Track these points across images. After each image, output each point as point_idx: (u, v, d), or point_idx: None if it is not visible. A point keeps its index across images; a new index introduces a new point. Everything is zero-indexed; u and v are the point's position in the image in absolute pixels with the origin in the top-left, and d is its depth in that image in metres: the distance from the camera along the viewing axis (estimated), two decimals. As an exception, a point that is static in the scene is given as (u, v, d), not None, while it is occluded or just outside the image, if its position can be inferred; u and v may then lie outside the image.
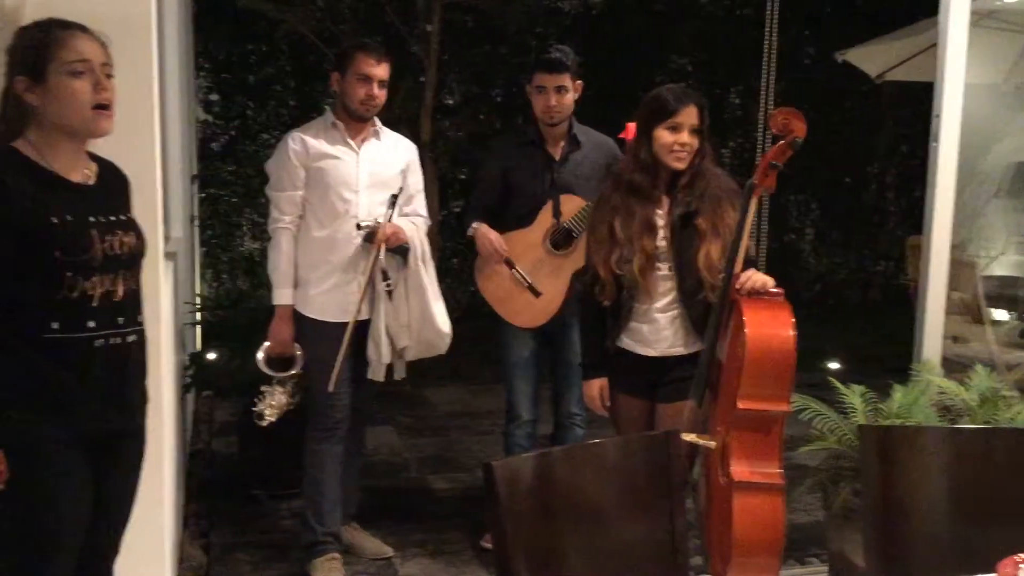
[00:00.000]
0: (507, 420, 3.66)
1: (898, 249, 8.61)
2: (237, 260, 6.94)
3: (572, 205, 3.39)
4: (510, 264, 3.43)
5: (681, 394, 2.68)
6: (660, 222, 2.73)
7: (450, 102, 7.45)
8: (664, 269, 2.73)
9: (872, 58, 6.39)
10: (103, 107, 1.99)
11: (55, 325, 1.96)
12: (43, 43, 1.95)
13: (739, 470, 2.43)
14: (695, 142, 2.68)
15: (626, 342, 2.79)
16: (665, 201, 2.75)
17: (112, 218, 2.06)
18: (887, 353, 6.29)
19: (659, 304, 2.74)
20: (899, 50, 6.08)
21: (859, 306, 9.40)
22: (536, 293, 3.42)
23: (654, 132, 2.69)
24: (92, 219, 2.01)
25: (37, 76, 1.95)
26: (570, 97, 3.43)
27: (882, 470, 1.85)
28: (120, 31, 2.12)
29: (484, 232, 3.45)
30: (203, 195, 6.69)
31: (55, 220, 1.94)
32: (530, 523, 1.58)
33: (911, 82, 6.50)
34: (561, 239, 3.40)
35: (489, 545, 3.59)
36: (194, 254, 5.60)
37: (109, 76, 2.01)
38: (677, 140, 2.66)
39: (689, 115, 2.67)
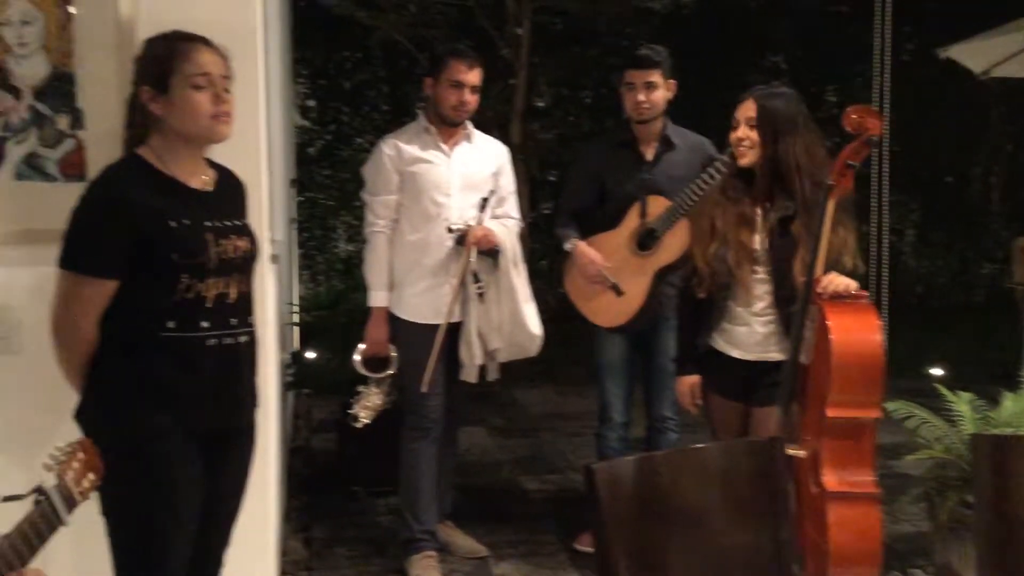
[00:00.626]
0: (599, 423, 3.66)
1: (1004, 251, 8.29)
2: (332, 262, 7.10)
3: (658, 206, 3.37)
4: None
5: (774, 399, 2.63)
6: (760, 222, 2.70)
7: (540, 104, 7.48)
8: (761, 272, 2.70)
9: (976, 54, 6.15)
10: (222, 116, 2.07)
11: (171, 324, 2.04)
12: (167, 56, 2.04)
13: (831, 480, 2.38)
14: (753, 135, 2.65)
15: (720, 343, 2.77)
16: (766, 202, 2.72)
17: (227, 223, 2.14)
18: (992, 359, 6.06)
19: (755, 308, 2.71)
20: (1006, 45, 5.84)
21: (962, 310, 9.07)
22: (619, 292, 3.41)
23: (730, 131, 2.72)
24: (208, 224, 2.09)
25: (161, 87, 2.04)
26: (660, 94, 3.41)
27: (996, 481, 1.78)
28: (228, 40, 2.20)
29: (583, 251, 3.42)
30: (301, 199, 6.86)
31: (173, 224, 2.02)
32: (631, 526, 1.58)
33: (1018, 78, 6.25)
34: (646, 239, 3.39)
35: (583, 548, 3.59)
36: (292, 256, 5.75)
37: (227, 89, 2.09)
38: (735, 135, 2.67)
39: (744, 109, 2.67)
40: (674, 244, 3.31)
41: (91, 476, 1.59)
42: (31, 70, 2.30)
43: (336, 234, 7.22)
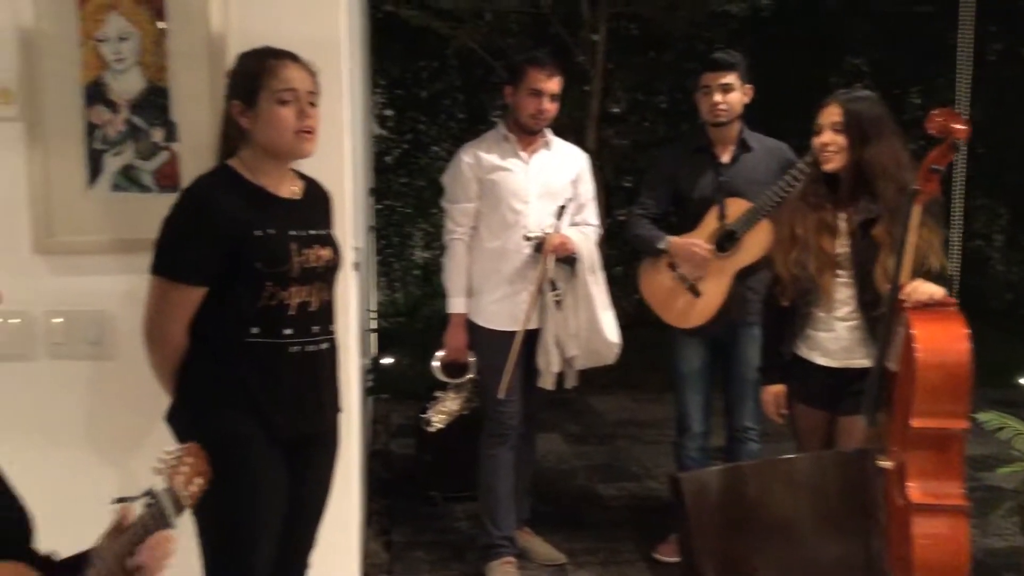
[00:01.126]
0: (678, 432, 3.62)
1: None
2: (409, 269, 7.19)
3: (737, 207, 3.33)
4: (672, 266, 3.40)
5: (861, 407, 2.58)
6: (842, 227, 2.65)
7: (615, 110, 7.45)
8: (844, 277, 2.66)
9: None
10: (306, 131, 2.12)
11: (255, 330, 2.10)
12: (257, 71, 2.10)
13: (917, 492, 2.32)
14: (839, 140, 2.61)
15: (804, 350, 2.73)
16: (849, 207, 2.67)
17: (311, 232, 2.19)
18: (1088, 368, 5.82)
19: (839, 313, 2.67)
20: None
21: (1055, 317, 8.73)
22: (697, 294, 3.37)
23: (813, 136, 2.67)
24: (292, 233, 2.14)
25: (250, 101, 2.10)
26: (736, 96, 3.37)
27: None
28: (313, 53, 2.25)
29: (680, 242, 3.37)
30: (379, 207, 6.97)
31: (258, 233, 2.08)
32: (719, 536, 1.57)
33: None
34: (726, 240, 3.35)
35: (662, 557, 3.57)
36: (370, 264, 5.83)
37: (313, 104, 2.14)
38: (821, 142, 2.63)
39: (828, 114, 2.63)
40: (755, 245, 3.27)
41: (199, 480, 1.63)
42: (127, 85, 2.39)
43: (413, 241, 7.31)
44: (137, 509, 1.48)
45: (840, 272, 2.66)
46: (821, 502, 1.67)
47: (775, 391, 2.83)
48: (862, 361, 2.63)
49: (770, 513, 1.63)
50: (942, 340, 2.33)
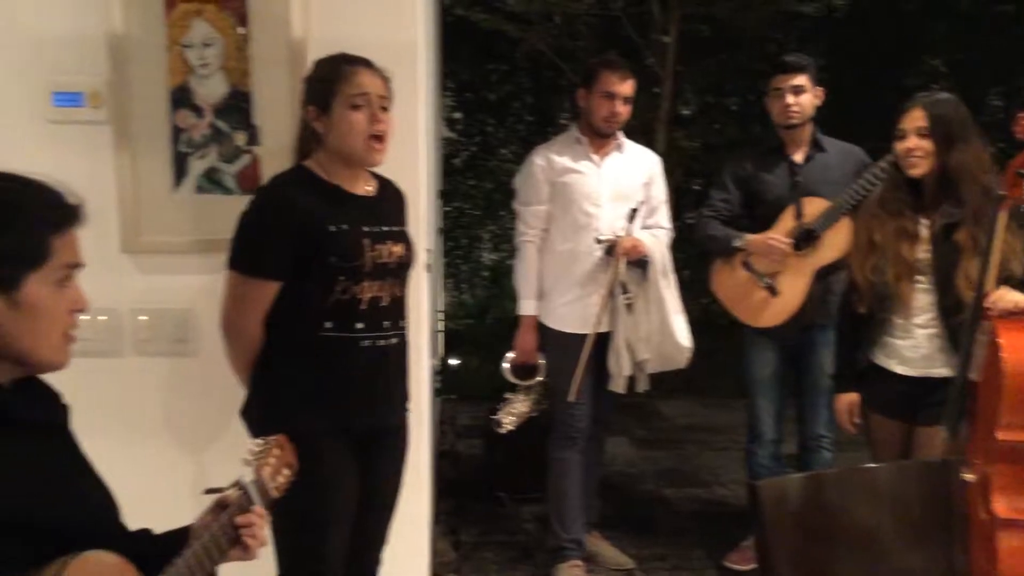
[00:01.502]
0: (749, 439, 3.58)
1: None
2: (477, 270, 7.23)
3: (815, 206, 3.28)
4: (747, 264, 3.36)
5: (941, 418, 2.51)
6: (923, 232, 2.60)
7: (685, 112, 7.39)
8: (924, 283, 2.60)
9: None
10: (377, 138, 2.15)
11: (328, 325, 2.14)
12: (331, 77, 2.14)
13: (1002, 507, 2.25)
14: (925, 145, 2.55)
15: (881, 358, 2.68)
16: (930, 212, 2.61)
17: (385, 228, 2.22)
18: None
19: (918, 320, 2.61)
20: None
21: None
22: (774, 292, 3.32)
23: (895, 141, 2.62)
24: (366, 229, 2.17)
25: (324, 106, 2.14)
26: (807, 98, 3.33)
27: None
28: (390, 57, 2.29)
29: (757, 237, 3.32)
30: (447, 208, 7.02)
31: (332, 228, 2.12)
32: (797, 545, 1.55)
33: None
34: (804, 239, 3.30)
35: (734, 565, 3.53)
36: (438, 265, 5.88)
37: (385, 109, 2.17)
38: (906, 147, 2.57)
39: (912, 119, 2.56)
40: (835, 243, 3.21)
41: (286, 472, 1.66)
42: (212, 89, 2.45)
43: (481, 243, 7.35)
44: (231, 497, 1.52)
45: (919, 278, 2.60)
46: (903, 513, 1.63)
47: (849, 400, 2.77)
48: (941, 370, 2.57)
49: (850, 523, 1.60)
50: None
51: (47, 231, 1.30)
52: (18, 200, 1.30)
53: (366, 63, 2.17)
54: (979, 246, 2.48)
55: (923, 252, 2.60)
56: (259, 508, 1.52)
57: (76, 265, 1.35)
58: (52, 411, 1.40)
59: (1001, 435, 2.25)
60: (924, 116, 2.56)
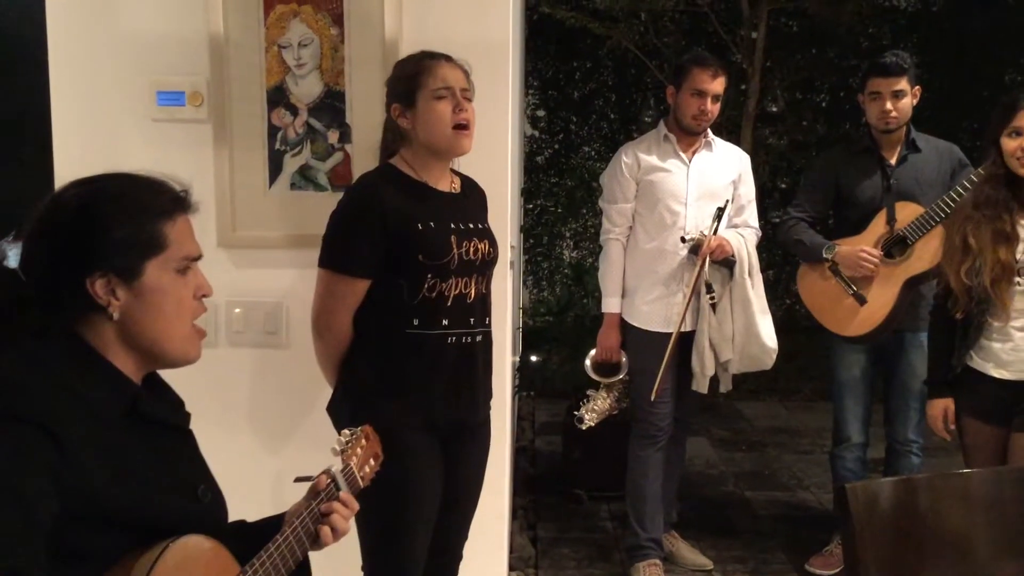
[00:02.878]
0: (835, 442, 3.52)
1: None
2: (559, 268, 7.23)
3: (908, 212, 3.20)
4: (835, 271, 3.29)
5: None
6: (1022, 233, 2.52)
7: (773, 109, 7.26)
8: (1023, 285, 2.52)
9: None
10: (462, 127, 2.18)
11: (416, 321, 2.17)
12: (414, 73, 2.19)
13: None
14: None
15: (977, 362, 2.61)
16: None
17: (470, 225, 2.25)
18: None
19: (1017, 323, 2.53)
20: None
21: None
22: (862, 301, 3.25)
23: (1000, 139, 2.54)
24: (452, 226, 2.20)
25: (408, 102, 2.18)
26: (907, 102, 3.25)
27: None
28: (481, 56, 2.33)
29: (848, 251, 3.26)
30: (529, 206, 7.04)
31: (420, 226, 2.16)
32: (886, 551, 1.53)
33: None
34: (894, 246, 3.22)
35: (817, 570, 3.47)
36: (519, 263, 5.91)
37: (468, 99, 2.20)
38: (1019, 144, 2.50)
39: None
40: (928, 252, 3.14)
41: (372, 462, 1.71)
42: (307, 89, 2.52)
43: (563, 241, 7.34)
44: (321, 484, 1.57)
45: (1019, 280, 2.53)
46: (997, 520, 1.59)
47: (944, 405, 2.71)
48: None
49: (942, 529, 1.57)
50: None
51: (158, 219, 1.36)
52: (126, 192, 1.37)
53: (446, 57, 2.21)
54: None
55: (1021, 253, 2.53)
56: (345, 494, 1.56)
57: (195, 256, 1.41)
58: (177, 413, 1.46)
59: None
60: None
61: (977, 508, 1.60)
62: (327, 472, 1.57)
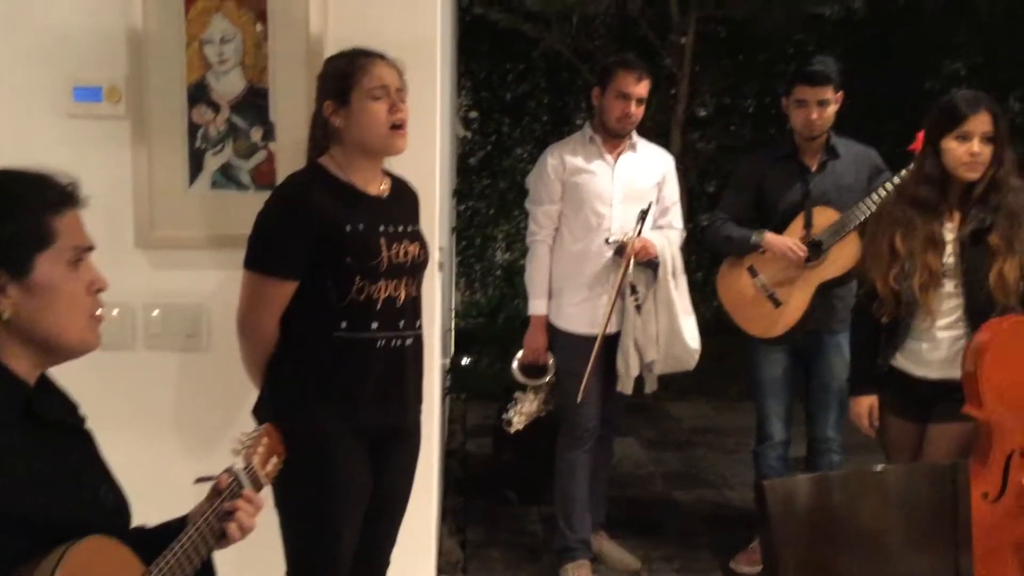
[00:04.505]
0: (757, 440, 3.57)
1: None
2: (490, 270, 7.24)
3: (824, 217, 3.28)
4: (752, 272, 3.36)
5: (956, 414, 2.47)
6: (948, 237, 2.58)
7: (702, 113, 7.38)
8: (950, 287, 2.58)
9: None
10: (397, 127, 2.16)
11: (344, 324, 2.14)
12: (349, 71, 2.15)
13: None
14: (988, 151, 2.51)
15: (900, 361, 2.66)
16: (956, 215, 2.59)
17: (400, 228, 2.23)
18: None
19: (941, 322, 2.59)
20: None
21: None
22: (777, 303, 3.32)
23: (942, 143, 2.55)
24: (381, 228, 2.18)
25: (342, 100, 2.15)
26: (831, 110, 3.31)
27: None
28: (408, 55, 2.30)
29: (775, 239, 3.30)
30: (461, 208, 7.02)
31: (349, 228, 2.13)
32: (803, 547, 1.55)
33: None
34: (810, 251, 3.29)
35: (740, 568, 3.52)
36: (451, 265, 5.90)
37: (403, 100, 2.18)
38: (968, 150, 2.51)
39: (980, 122, 2.50)
40: (841, 258, 3.22)
41: (274, 460, 1.70)
42: (229, 86, 2.46)
43: (494, 243, 7.36)
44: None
45: (945, 282, 2.58)
46: (911, 515, 1.63)
47: (868, 403, 2.74)
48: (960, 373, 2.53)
49: (858, 525, 1.60)
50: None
51: (45, 212, 1.33)
52: (11, 188, 1.34)
53: (381, 56, 2.19)
54: (1014, 249, 2.47)
55: (948, 257, 2.58)
56: (248, 492, 1.55)
57: (86, 247, 1.38)
58: (72, 414, 1.43)
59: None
60: (991, 120, 2.51)
61: (891, 504, 1.64)
62: (229, 471, 1.55)
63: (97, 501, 1.37)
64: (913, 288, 2.56)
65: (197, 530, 1.44)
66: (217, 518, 1.49)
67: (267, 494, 1.72)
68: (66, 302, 1.34)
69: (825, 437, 3.45)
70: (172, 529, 1.47)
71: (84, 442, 1.43)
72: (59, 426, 1.37)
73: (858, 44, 7.57)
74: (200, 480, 1.57)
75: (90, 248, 1.40)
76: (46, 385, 1.40)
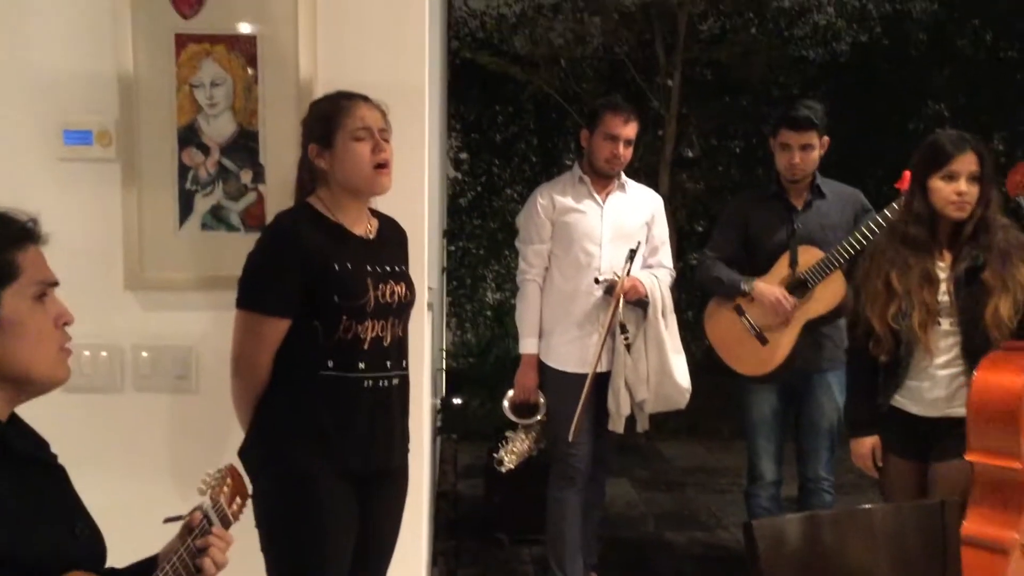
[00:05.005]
0: (748, 481, 3.56)
1: None
2: (481, 310, 7.26)
3: (810, 256, 3.29)
4: (740, 311, 3.37)
5: (958, 452, 2.46)
6: (942, 275, 2.59)
7: (689, 154, 7.47)
8: (946, 324, 2.59)
9: None
10: (381, 166, 2.18)
11: (330, 364, 2.14)
12: (331, 113, 2.18)
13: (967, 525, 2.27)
14: (975, 190, 2.53)
15: (898, 400, 2.66)
16: (947, 254, 2.61)
17: (387, 268, 2.23)
18: None
19: (940, 360, 2.60)
20: None
21: None
22: (764, 341, 3.33)
23: (929, 182, 2.57)
24: (369, 268, 2.18)
25: (326, 142, 2.17)
26: (816, 155, 3.34)
27: None
28: (396, 99, 2.33)
29: (764, 289, 3.30)
30: (451, 248, 7.05)
31: (337, 267, 2.13)
32: (792, 587, 1.54)
33: None
34: (795, 289, 3.31)
35: (732, 608, 3.50)
36: (442, 304, 5.90)
37: (386, 140, 2.20)
38: (955, 189, 2.54)
39: (967, 162, 2.54)
40: (827, 296, 3.23)
41: (239, 500, 1.71)
42: (220, 129, 2.48)
43: (485, 283, 7.38)
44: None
45: (941, 320, 2.58)
46: (899, 554, 1.63)
47: (871, 443, 2.73)
48: (960, 409, 2.52)
49: (848, 564, 1.60)
50: (1000, 375, 2.34)
51: (6, 248, 1.34)
52: None
53: (363, 98, 2.21)
54: (1008, 286, 2.49)
55: (943, 295, 2.58)
56: (218, 529, 1.56)
57: (50, 282, 1.39)
58: (42, 448, 1.42)
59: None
60: (976, 160, 2.54)
61: (880, 542, 1.63)
62: (200, 508, 1.55)
63: (73, 537, 1.37)
64: (913, 326, 2.56)
65: (172, 567, 1.44)
66: (190, 555, 1.49)
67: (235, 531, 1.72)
68: (34, 336, 1.35)
69: (817, 477, 3.44)
70: (143, 568, 1.47)
71: (58, 478, 1.43)
72: (32, 461, 1.36)
73: (842, 87, 7.69)
74: (169, 520, 1.57)
75: (54, 283, 1.41)
76: (16, 422, 1.39)
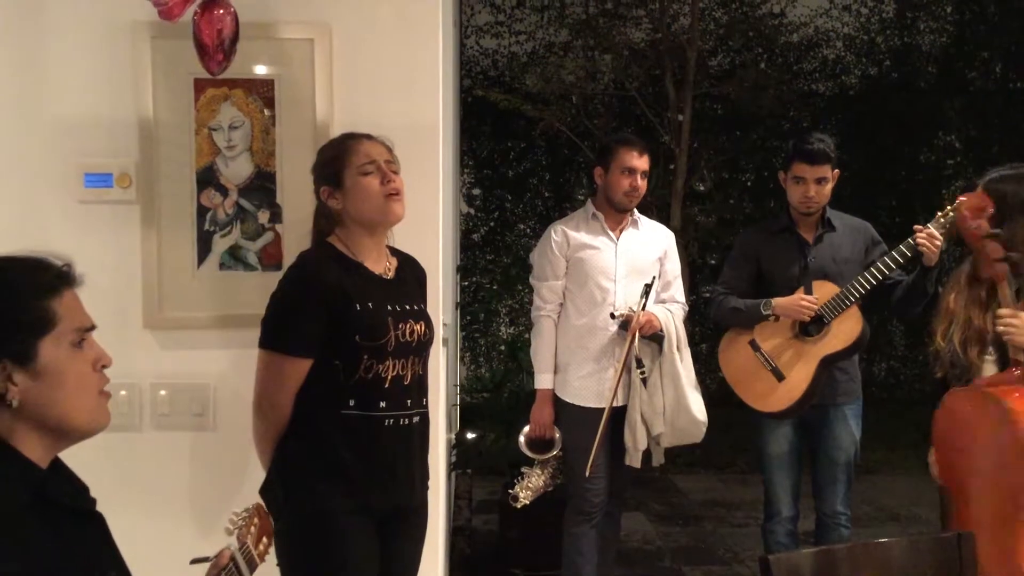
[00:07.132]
0: (766, 516, 3.53)
1: None
2: (495, 345, 7.27)
3: (825, 291, 3.29)
4: (755, 346, 3.36)
5: None
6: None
7: (701, 188, 7.51)
8: (991, 354, 2.56)
9: None
10: (393, 195, 2.21)
11: (352, 403, 2.15)
12: (337, 154, 2.22)
13: None
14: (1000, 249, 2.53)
15: None
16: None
17: (407, 307, 2.25)
18: None
19: None
20: None
21: None
22: (780, 377, 3.32)
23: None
24: (389, 307, 2.20)
25: (336, 183, 2.21)
26: (828, 188, 3.35)
27: None
28: (411, 138, 2.37)
29: (784, 300, 3.28)
30: (465, 283, 7.08)
31: (358, 307, 2.15)
32: (810, 622, 1.54)
33: None
34: (811, 325, 3.30)
35: (751, 644, 3.46)
36: (455, 340, 5.91)
37: (395, 172, 2.24)
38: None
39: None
40: (843, 331, 3.23)
41: (265, 540, 1.71)
42: (237, 170, 2.53)
43: (498, 318, 7.40)
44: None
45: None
46: (917, 589, 1.63)
47: None
48: None
49: (863, 599, 1.59)
50: None
51: (43, 297, 1.34)
52: (6, 276, 1.35)
53: (367, 136, 2.25)
54: None
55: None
56: (244, 570, 1.57)
57: (87, 327, 1.39)
58: (83, 496, 1.42)
59: None
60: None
61: (896, 576, 1.63)
62: (228, 549, 1.56)
63: None
64: (956, 346, 2.51)
65: None
66: None
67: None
68: (74, 383, 1.34)
69: (834, 512, 3.41)
70: None
71: (96, 526, 1.43)
72: (72, 510, 1.36)
73: (852, 119, 7.73)
74: (196, 561, 1.57)
75: (92, 328, 1.40)
76: (58, 468, 1.40)
